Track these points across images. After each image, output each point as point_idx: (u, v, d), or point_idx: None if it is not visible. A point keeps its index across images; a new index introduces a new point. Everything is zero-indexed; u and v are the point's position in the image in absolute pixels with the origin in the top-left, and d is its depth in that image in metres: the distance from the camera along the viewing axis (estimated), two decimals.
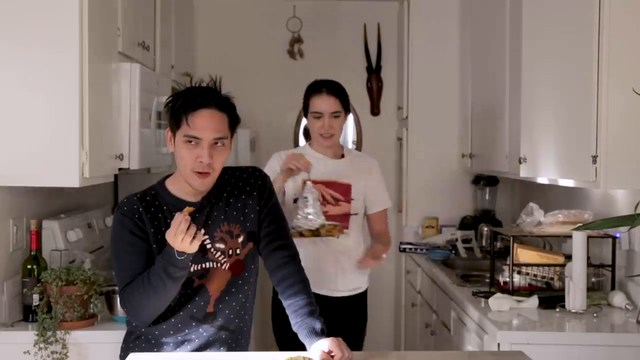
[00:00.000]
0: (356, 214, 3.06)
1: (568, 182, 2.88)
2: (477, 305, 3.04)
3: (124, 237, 2.17)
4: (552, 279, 3.14)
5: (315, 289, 2.89)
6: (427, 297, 4.05)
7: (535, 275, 3.15)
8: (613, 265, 3.10)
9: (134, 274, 2.15)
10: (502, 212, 4.74)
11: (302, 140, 5.10)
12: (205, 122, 2.14)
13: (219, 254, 2.24)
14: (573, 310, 2.88)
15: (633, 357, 2.61)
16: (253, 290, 2.35)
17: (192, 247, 2.04)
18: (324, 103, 3.01)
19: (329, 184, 2.97)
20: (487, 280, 3.38)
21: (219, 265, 2.24)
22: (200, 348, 2.26)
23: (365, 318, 3.18)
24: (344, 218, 3.01)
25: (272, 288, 2.84)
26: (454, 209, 4.77)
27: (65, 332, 2.64)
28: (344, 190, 3.02)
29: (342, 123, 3.08)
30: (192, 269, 2.18)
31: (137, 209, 2.18)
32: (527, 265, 3.15)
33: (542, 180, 3.15)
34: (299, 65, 5.05)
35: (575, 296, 2.88)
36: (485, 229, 4.44)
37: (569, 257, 3.03)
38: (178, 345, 2.25)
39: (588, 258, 2.98)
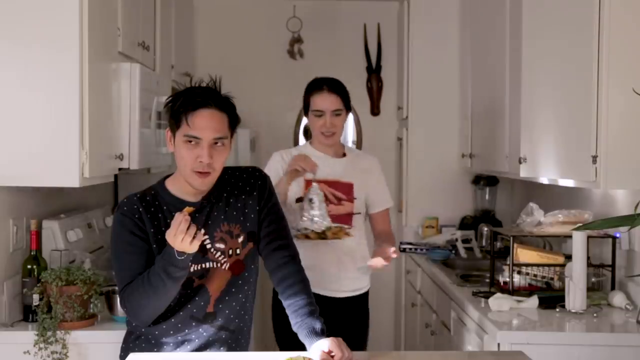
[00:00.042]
0: (359, 213, 3.04)
1: (568, 182, 2.88)
2: (477, 305, 3.04)
3: (124, 237, 2.17)
4: (552, 279, 3.14)
5: (318, 289, 2.89)
6: (427, 297, 4.05)
7: (535, 275, 3.15)
8: (613, 265, 3.10)
9: (134, 274, 2.15)
10: (502, 212, 4.74)
11: (301, 140, 5.10)
12: (205, 122, 2.14)
13: (219, 254, 2.24)
14: (573, 310, 2.88)
15: (633, 357, 2.61)
16: (253, 290, 2.35)
17: (192, 247, 2.04)
18: (325, 101, 2.97)
19: (331, 184, 2.94)
20: (487, 280, 3.38)
21: (219, 265, 2.24)
22: (200, 348, 2.26)
23: (367, 318, 3.15)
24: (347, 217, 2.98)
25: (273, 288, 2.83)
26: (454, 209, 4.77)
27: (65, 332, 2.64)
28: (347, 189, 3.00)
29: (344, 121, 3.05)
30: (192, 269, 2.18)
31: (137, 209, 2.18)
32: (527, 265, 3.15)
33: (542, 180, 3.15)
34: (299, 65, 5.05)
35: (575, 296, 2.88)
36: (485, 229, 4.44)
37: (569, 257, 3.03)
38: (178, 345, 2.25)
39: (588, 258, 2.98)
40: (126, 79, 2.98)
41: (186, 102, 2.15)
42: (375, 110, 5.21)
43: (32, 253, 2.78)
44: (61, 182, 2.64)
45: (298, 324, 2.21)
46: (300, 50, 5.09)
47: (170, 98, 2.22)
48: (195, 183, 2.17)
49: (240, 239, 2.27)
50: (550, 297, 3.03)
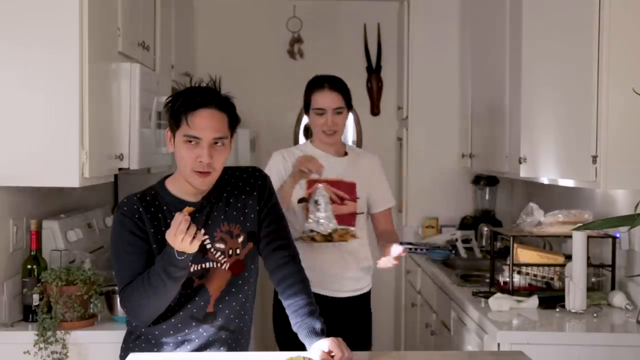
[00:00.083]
0: (362, 213, 3.01)
1: (568, 182, 2.88)
2: (477, 305, 3.04)
3: (124, 237, 2.17)
4: (552, 279, 3.14)
5: (320, 289, 2.88)
6: (427, 297, 4.05)
7: (535, 275, 3.15)
8: (613, 265, 3.10)
9: (134, 274, 2.15)
10: (502, 212, 4.74)
11: (301, 140, 5.10)
12: (205, 122, 2.14)
13: (219, 254, 2.24)
14: (573, 310, 2.88)
15: (633, 357, 2.61)
16: (253, 290, 2.35)
17: (192, 247, 2.04)
18: (327, 99, 2.93)
19: (334, 183, 2.89)
20: (487, 280, 3.38)
21: (219, 265, 2.24)
22: (200, 348, 2.26)
23: (370, 318, 3.13)
24: (351, 217, 2.95)
25: (274, 288, 2.82)
26: (454, 209, 4.78)
27: (65, 332, 2.64)
28: (349, 188, 2.96)
29: (345, 119, 3.01)
30: (192, 269, 2.18)
31: (137, 209, 2.18)
32: (527, 265, 3.15)
33: (542, 180, 3.14)
34: (299, 65, 5.05)
35: (575, 296, 2.88)
36: (485, 229, 4.44)
37: (569, 257, 3.03)
38: (178, 345, 2.25)
39: (588, 258, 2.98)
40: (126, 79, 2.98)
41: (186, 102, 2.15)
42: (375, 110, 5.21)
43: (32, 253, 2.78)
44: (61, 182, 2.64)
45: (298, 324, 2.21)
46: (300, 50, 5.09)
47: (170, 98, 2.22)
48: (196, 183, 2.17)
49: (240, 239, 2.27)
50: (550, 297, 3.02)
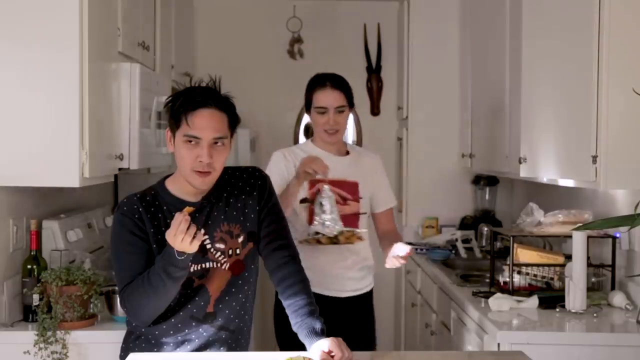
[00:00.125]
0: (365, 213, 2.97)
1: (568, 182, 2.88)
2: (477, 305, 3.04)
3: (124, 237, 2.17)
4: (552, 279, 3.14)
5: (321, 289, 2.87)
6: (427, 297, 4.05)
7: (535, 275, 3.15)
8: (613, 265, 3.10)
9: (134, 274, 2.15)
10: (502, 212, 4.74)
11: (302, 140, 5.10)
12: (204, 122, 2.14)
13: (219, 254, 2.24)
14: (573, 310, 2.88)
15: (633, 357, 2.61)
16: (253, 290, 2.35)
17: (192, 247, 2.04)
18: (329, 97, 2.89)
19: (336, 183, 2.84)
20: (487, 280, 3.38)
21: (219, 265, 2.24)
22: (200, 348, 2.26)
23: (373, 317, 3.11)
24: (354, 218, 2.91)
25: (274, 288, 2.81)
26: (454, 209, 4.77)
27: (65, 332, 2.64)
28: (352, 188, 2.93)
29: (347, 118, 2.96)
30: (192, 269, 2.18)
31: (137, 209, 2.18)
32: (527, 265, 3.15)
33: (542, 180, 3.14)
34: (299, 65, 5.05)
35: (575, 296, 2.88)
36: (485, 229, 4.44)
37: (569, 257, 3.03)
38: (178, 345, 2.25)
39: (588, 258, 2.98)
40: (126, 79, 2.98)
41: (186, 102, 2.15)
42: (375, 110, 5.21)
43: (32, 253, 2.78)
44: (61, 182, 2.64)
45: (298, 324, 2.21)
46: (300, 50, 5.09)
47: (170, 98, 2.22)
48: (196, 183, 2.17)
49: (240, 239, 2.27)
50: (550, 297, 3.03)
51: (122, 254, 2.18)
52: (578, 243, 2.91)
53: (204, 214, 2.23)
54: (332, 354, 2.09)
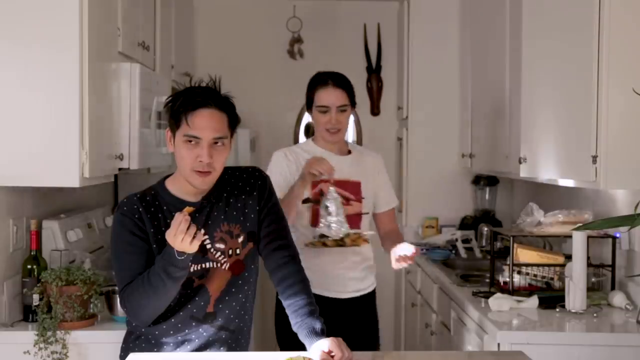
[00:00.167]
0: (367, 213, 2.94)
1: (568, 182, 2.88)
2: (477, 305, 3.04)
3: (124, 237, 2.17)
4: (552, 279, 3.14)
5: (322, 291, 2.84)
6: (427, 297, 4.05)
7: (535, 275, 3.15)
8: (613, 265, 3.10)
9: (134, 274, 2.15)
10: (502, 212, 4.74)
11: (302, 139, 5.10)
12: (204, 122, 2.14)
13: (219, 254, 2.24)
14: (573, 310, 2.88)
15: (633, 357, 2.61)
16: (253, 290, 2.35)
17: (192, 247, 2.03)
18: (331, 96, 2.85)
19: (338, 183, 2.79)
20: (487, 280, 3.38)
21: (219, 265, 2.24)
22: (200, 348, 2.26)
23: (376, 318, 3.08)
24: (356, 218, 2.87)
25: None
26: (454, 209, 4.77)
27: (65, 332, 2.64)
28: (355, 188, 2.89)
29: (349, 117, 2.93)
30: (192, 269, 2.18)
31: (137, 209, 2.18)
32: (527, 265, 3.15)
33: (542, 180, 3.14)
34: (299, 65, 5.05)
35: (575, 296, 2.88)
36: (485, 229, 4.44)
37: (569, 257, 3.03)
38: (178, 345, 2.25)
39: (588, 258, 2.98)
40: (126, 79, 2.98)
41: (186, 102, 2.15)
42: (375, 110, 5.21)
43: (32, 253, 2.78)
44: (61, 182, 2.64)
45: (298, 324, 2.21)
46: (300, 50, 5.09)
47: (170, 98, 2.22)
48: (196, 182, 2.17)
49: (240, 239, 2.27)
50: (550, 297, 3.03)
51: (122, 254, 2.18)
52: (578, 243, 2.91)
53: (204, 214, 2.23)
54: (332, 354, 2.09)
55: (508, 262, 3.16)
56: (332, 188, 2.72)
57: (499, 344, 2.66)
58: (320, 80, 2.90)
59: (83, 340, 2.66)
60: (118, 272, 2.20)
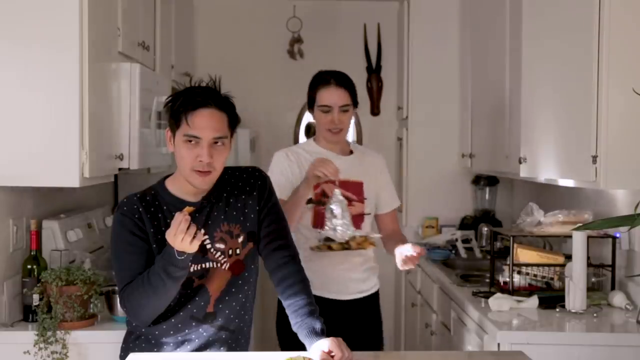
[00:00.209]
0: (369, 213, 2.90)
1: (568, 182, 2.88)
2: (477, 305, 3.04)
3: (124, 237, 2.17)
4: (552, 279, 3.14)
5: (324, 292, 2.81)
6: (427, 297, 4.05)
7: (535, 275, 3.15)
8: (613, 265, 3.10)
9: (134, 274, 2.15)
10: (502, 212, 4.74)
11: (302, 139, 5.10)
12: (204, 122, 2.14)
13: (219, 254, 2.24)
14: (573, 310, 2.89)
15: (633, 357, 2.61)
16: (253, 290, 2.35)
17: (192, 247, 2.04)
18: (333, 95, 2.81)
19: (341, 183, 2.73)
20: (487, 280, 3.38)
21: (219, 265, 2.24)
22: (200, 348, 2.26)
23: (380, 319, 3.04)
24: (358, 219, 2.82)
25: None
26: (454, 209, 4.77)
27: (65, 332, 2.64)
28: (357, 189, 2.85)
29: (351, 117, 2.88)
30: (192, 269, 2.18)
31: (137, 209, 2.18)
32: (527, 265, 3.15)
33: (542, 180, 3.14)
34: (299, 65, 5.05)
35: (575, 296, 2.88)
36: (485, 229, 4.44)
37: (569, 257, 3.03)
38: (178, 345, 2.25)
39: (588, 258, 2.98)
40: (126, 79, 2.98)
41: (186, 101, 2.15)
42: (375, 110, 5.21)
43: (32, 253, 2.78)
44: (61, 182, 2.64)
45: (298, 324, 2.21)
46: (300, 50, 5.09)
47: (170, 98, 2.22)
48: (196, 182, 2.17)
49: (240, 239, 2.27)
50: (550, 297, 3.03)
51: (122, 253, 2.18)
52: (578, 243, 2.91)
53: (204, 214, 2.23)
54: (332, 354, 2.09)
55: (508, 262, 3.16)
56: (337, 190, 2.68)
57: (499, 344, 2.66)
58: (322, 79, 2.86)
59: (83, 340, 2.66)
60: (118, 272, 2.20)
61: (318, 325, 2.18)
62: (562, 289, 2.98)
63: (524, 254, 3.16)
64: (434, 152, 4.78)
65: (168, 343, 2.25)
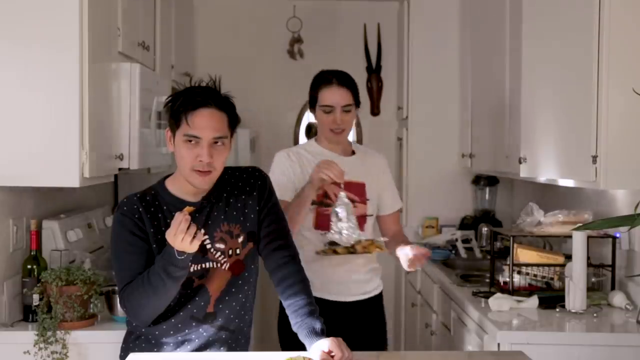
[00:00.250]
0: (371, 215, 2.87)
1: (568, 182, 2.88)
2: (477, 305, 3.04)
3: (124, 237, 2.17)
4: (552, 279, 3.14)
5: (327, 294, 2.79)
6: (427, 297, 4.05)
7: (535, 275, 3.15)
8: (613, 265, 3.10)
9: (134, 274, 2.15)
10: (502, 212, 4.74)
11: (302, 139, 5.10)
12: (204, 122, 2.14)
13: (219, 254, 2.24)
14: (573, 310, 2.89)
15: (633, 357, 2.61)
16: (253, 290, 2.35)
17: (192, 247, 2.04)
18: (335, 95, 2.77)
19: (344, 185, 2.67)
20: (487, 280, 3.38)
21: (219, 265, 2.24)
22: (200, 348, 2.26)
23: (384, 322, 2.99)
24: (361, 220, 2.77)
25: None
26: (454, 209, 4.77)
27: (65, 332, 2.64)
28: (359, 190, 2.81)
29: (354, 117, 2.84)
30: (192, 269, 2.18)
31: (137, 209, 2.18)
32: (527, 265, 3.15)
33: (542, 180, 3.14)
34: (299, 65, 5.05)
35: (575, 296, 2.88)
36: (485, 229, 4.44)
37: (569, 257, 3.03)
38: (178, 345, 2.25)
39: (588, 258, 2.98)
40: (126, 79, 2.98)
41: (186, 101, 2.15)
42: (375, 110, 5.21)
43: (32, 253, 2.78)
44: (61, 182, 2.64)
45: (298, 324, 2.21)
46: (300, 50, 5.09)
47: (170, 98, 2.22)
48: (196, 182, 2.17)
49: (240, 239, 2.27)
50: (550, 297, 3.03)
51: (122, 253, 2.18)
52: (578, 243, 2.91)
53: (204, 214, 2.23)
54: (332, 354, 2.09)
55: (508, 262, 3.16)
56: (342, 193, 2.64)
57: (499, 344, 2.66)
58: (324, 79, 2.82)
59: (83, 340, 2.66)
60: (118, 272, 2.20)
61: (318, 325, 2.18)
62: (562, 289, 2.98)
63: (524, 254, 3.16)
64: (434, 152, 4.78)
65: (168, 343, 2.25)
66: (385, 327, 3.02)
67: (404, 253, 2.68)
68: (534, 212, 3.26)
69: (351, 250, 2.67)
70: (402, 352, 4.33)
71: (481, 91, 4.24)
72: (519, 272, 3.15)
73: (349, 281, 2.86)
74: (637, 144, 2.53)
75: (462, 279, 3.59)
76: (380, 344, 2.99)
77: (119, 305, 2.63)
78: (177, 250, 2.04)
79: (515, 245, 3.16)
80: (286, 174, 2.80)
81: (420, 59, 4.76)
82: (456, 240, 4.37)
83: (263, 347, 4.49)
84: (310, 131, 5.05)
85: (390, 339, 5.00)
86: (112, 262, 2.22)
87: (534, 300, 2.98)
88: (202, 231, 2.10)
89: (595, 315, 2.86)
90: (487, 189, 4.71)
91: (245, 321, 2.33)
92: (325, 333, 2.17)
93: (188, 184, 2.19)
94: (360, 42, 5.15)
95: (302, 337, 2.19)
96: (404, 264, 2.69)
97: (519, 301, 2.98)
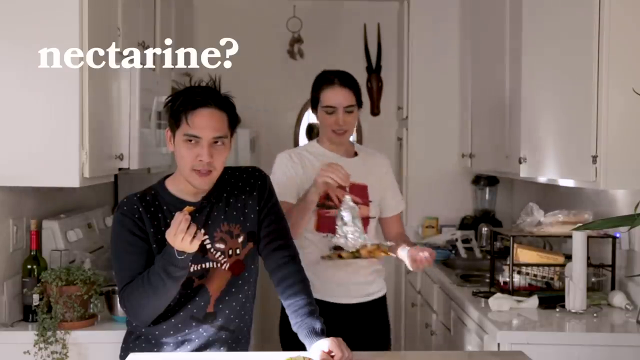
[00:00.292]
0: (374, 217, 2.84)
1: (568, 182, 2.88)
2: (477, 305, 3.04)
3: (124, 237, 2.17)
4: (552, 279, 3.14)
5: (329, 297, 2.77)
6: (427, 297, 4.05)
7: (535, 275, 3.15)
8: (613, 265, 3.10)
9: (133, 274, 2.15)
10: (502, 212, 4.73)
11: (302, 140, 5.10)
12: (204, 121, 2.14)
13: (219, 254, 2.24)
14: (573, 310, 2.89)
15: (633, 357, 2.61)
16: (253, 290, 2.35)
17: (192, 247, 2.04)
18: (337, 96, 2.73)
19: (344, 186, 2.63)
20: (487, 280, 3.38)
21: (219, 265, 2.24)
22: (200, 348, 2.26)
23: (387, 324, 2.96)
24: (363, 222, 2.71)
25: None
26: (454, 209, 4.77)
27: (65, 332, 2.64)
28: (362, 192, 2.77)
29: (356, 118, 2.80)
30: (192, 269, 2.18)
31: (137, 209, 2.18)
32: (527, 265, 3.15)
33: (542, 180, 3.14)
34: (299, 65, 5.05)
35: (575, 296, 2.88)
36: (485, 229, 4.44)
37: (569, 257, 3.03)
38: (178, 345, 2.25)
39: (588, 258, 2.98)
40: (126, 79, 2.98)
41: (186, 101, 2.15)
42: (375, 110, 5.20)
43: (32, 253, 2.78)
44: (61, 182, 2.64)
45: (298, 324, 2.21)
46: (300, 50, 5.09)
47: (170, 98, 2.22)
48: (196, 182, 2.17)
49: (240, 239, 2.27)
50: (550, 297, 3.03)
51: (122, 253, 2.18)
52: (578, 243, 2.91)
53: (204, 214, 2.23)
54: (332, 354, 2.09)
55: (508, 262, 3.16)
56: (348, 197, 2.60)
57: (499, 344, 2.66)
58: (326, 79, 2.78)
59: (83, 340, 2.66)
60: (118, 272, 2.20)
61: (318, 325, 2.18)
62: (562, 289, 2.98)
63: (524, 254, 3.16)
64: (434, 152, 4.78)
65: (168, 343, 2.25)
66: (389, 331, 2.99)
67: (411, 254, 2.66)
68: (534, 212, 3.26)
69: (356, 254, 2.63)
70: (402, 352, 4.32)
71: (481, 91, 4.23)
72: (519, 272, 3.15)
73: (349, 283, 2.83)
74: (637, 144, 2.53)
75: (462, 279, 3.59)
76: (383, 348, 2.95)
77: (119, 305, 2.63)
78: (177, 250, 2.04)
79: (515, 245, 3.16)
80: (288, 175, 2.78)
81: (420, 59, 4.76)
82: (456, 240, 4.37)
83: (263, 347, 4.50)
84: (312, 132, 5.05)
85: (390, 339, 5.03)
86: (112, 262, 2.22)
87: (534, 300, 2.98)
88: (202, 231, 2.10)
89: (595, 315, 2.86)
90: (487, 189, 4.71)
91: (245, 321, 2.33)
92: (325, 333, 2.17)
93: (188, 184, 2.19)
94: (360, 42, 5.15)
95: (302, 337, 2.19)
96: (409, 264, 2.67)
97: (519, 301, 2.98)
